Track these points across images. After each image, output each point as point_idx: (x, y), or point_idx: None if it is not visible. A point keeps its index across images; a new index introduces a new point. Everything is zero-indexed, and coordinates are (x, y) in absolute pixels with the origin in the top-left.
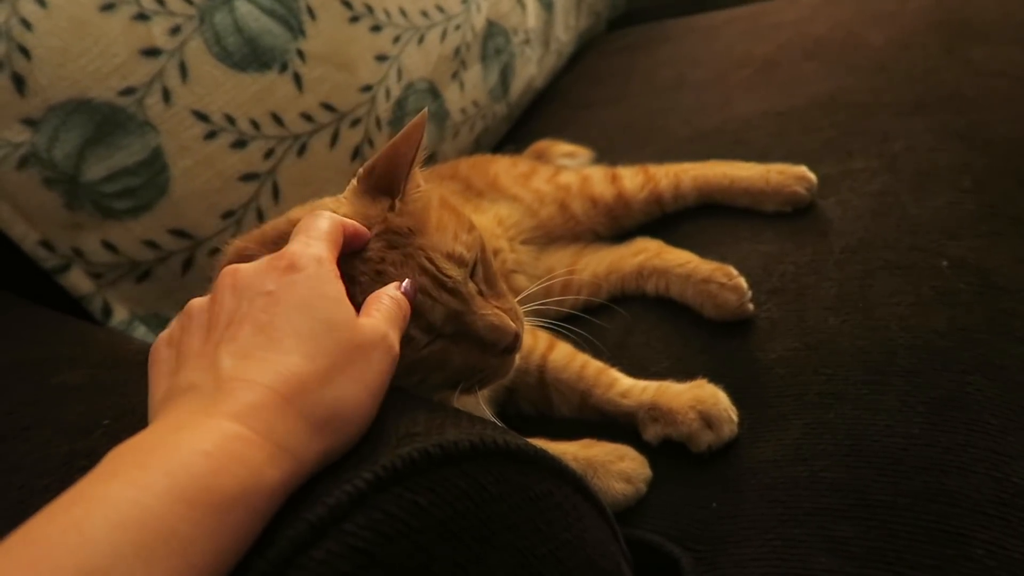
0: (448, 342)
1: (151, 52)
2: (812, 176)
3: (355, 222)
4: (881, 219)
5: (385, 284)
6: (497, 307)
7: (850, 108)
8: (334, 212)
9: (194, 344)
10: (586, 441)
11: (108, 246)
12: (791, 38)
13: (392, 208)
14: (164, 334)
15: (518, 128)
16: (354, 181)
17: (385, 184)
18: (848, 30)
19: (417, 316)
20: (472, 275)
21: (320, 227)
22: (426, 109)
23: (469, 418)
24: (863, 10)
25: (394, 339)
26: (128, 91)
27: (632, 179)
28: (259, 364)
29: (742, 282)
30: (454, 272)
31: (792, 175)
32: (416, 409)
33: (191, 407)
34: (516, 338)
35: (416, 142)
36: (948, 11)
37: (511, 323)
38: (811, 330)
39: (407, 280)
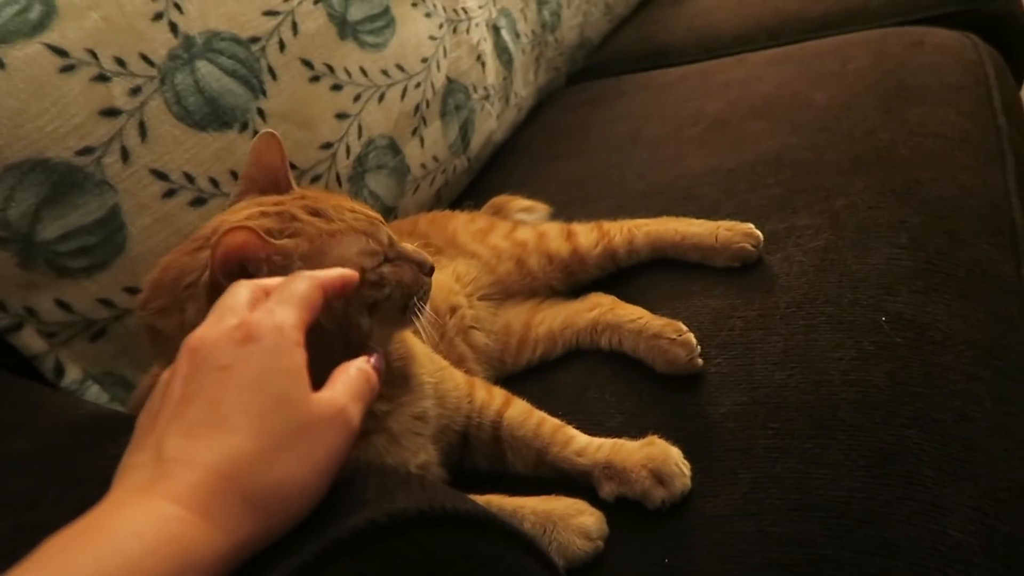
0: (394, 265)
1: (110, 112)
2: (758, 233)
3: (343, 273)
4: (824, 275)
5: (326, 220)
6: None
7: (795, 166)
8: (241, 221)
9: (148, 421)
10: (544, 497)
11: (62, 305)
12: (740, 96)
13: (292, 191)
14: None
15: (479, 181)
16: (228, 207)
17: (271, 188)
18: (793, 89)
19: (370, 235)
20: None
21: (294, 291)
22: (267, 130)
23: (420, 482)
24: (807, 71)
25: (354, 413)
26: (86, 151)
27: (587, 235)
28: (203, 443)
29: (691, 338)
30: (375, 213)
31: (740, 232)
32: (365, 475)
33: (133, 487)
34: (432, 264)
35: (274, 146)
36: (885, 73)
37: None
38: (759, 384)
39: (375, 355)
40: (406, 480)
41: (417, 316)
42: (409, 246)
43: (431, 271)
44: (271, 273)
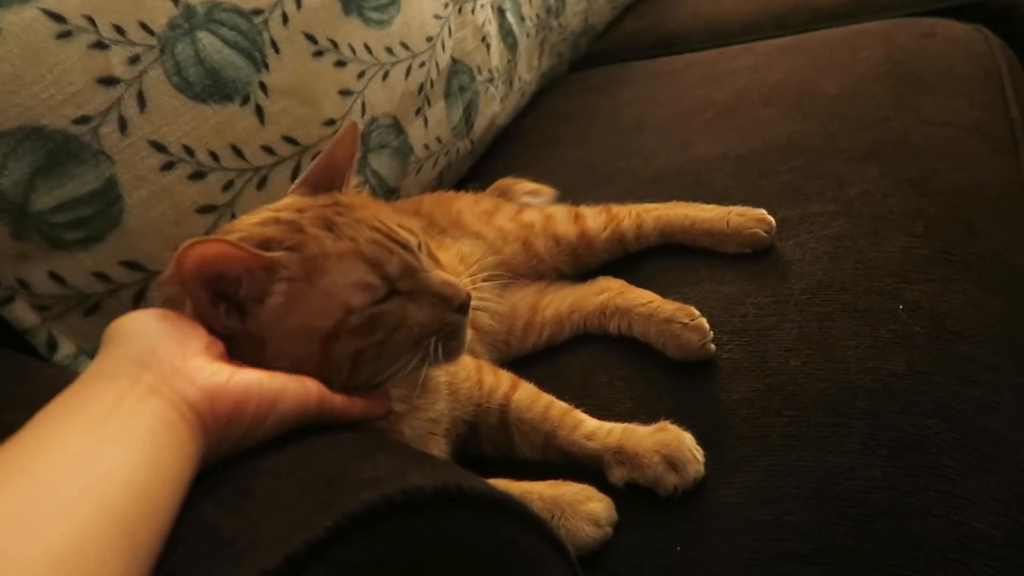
0: (405, 299)
1: (108, 81)
2: (771, 219)
3: None
4: (838, 262)
5: (335, 237)
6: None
7: (807, 153)
8: (278, 208)
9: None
10: (552, 482)
11: (56, 278)
12: (749, 83)
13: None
14: None
15: (481, 165)
16: (289, 193)
17: (324, 187)
18: (803, 77)
19: (375, 265)
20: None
21: None
22: (355, 120)
23: (432, 461)
24: (816, 59)
25: None
26: (83, 119)
27: (595, 218)
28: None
29: (704, 323)
30: (406, 234)
31: (752, 217)
32: (376, 452)
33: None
34: (468, 297)
35: (351, 147)
36: (897, 63)
37: (462, 284)
38: (773, 371)
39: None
40: (419, 459)
41: (433, 359)
42: (440, 275)
43: (463, 307)
44: (251, 287)
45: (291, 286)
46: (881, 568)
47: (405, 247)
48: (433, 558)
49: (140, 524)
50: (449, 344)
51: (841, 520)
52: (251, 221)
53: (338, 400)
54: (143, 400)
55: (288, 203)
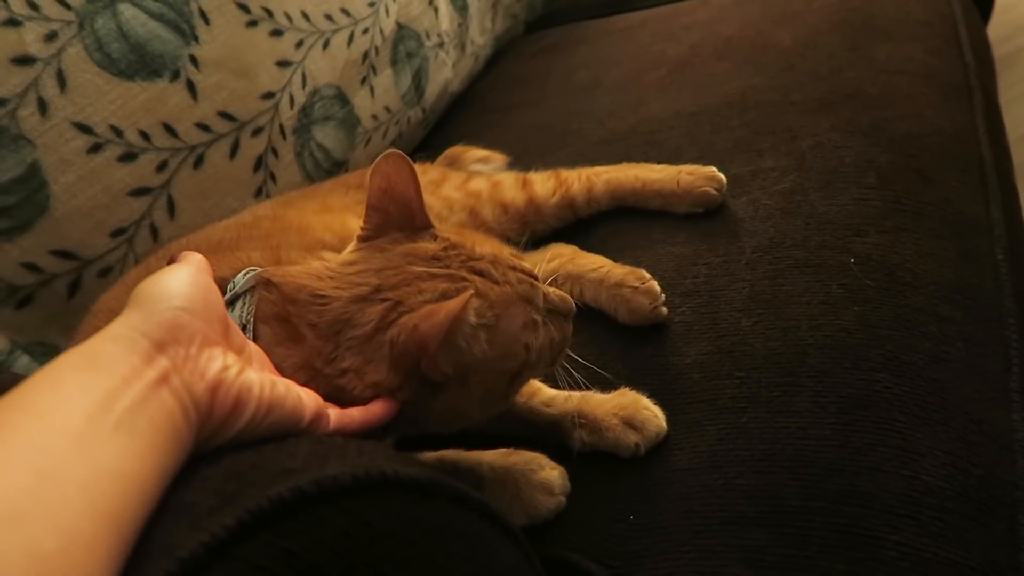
0: (546, 326)
1: (23, 60)
2: (721, 176)
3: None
4: (791, 218)
5: (491, 283)
6: None
7: (760, 107)
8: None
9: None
10: (503, 451)
11: None
12: (703, 38)
13: (436, 237)
14: None
15: (435, 133)
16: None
17: (405, 222)
18: (757, 30)
19: (529, 301)
20: None
21: None
22: (392, 150)
23: (358, 447)
24: (771, 10)
25: None
26: None
27: (544, 184)
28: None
29: (655, 285)
30: (521, 261)
31: (702, 176)
32: (298, 441)
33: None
34: (574, 308)
35: (407, 172)
36: (851, 10)
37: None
38: (724, 333)
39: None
40: (342, 446)
41: (558, 369)
42: (555, 291)
43: (572, 315)
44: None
45: (488, 333)
46: (831, 527)
47: (532, 275)
48: (354, 549)
49: (127, 516)
50: (564, 352)
51: (792, 481)
52: (429, 291)
53: (334, 416)
54: (152, 389)
55: (413, 250)
